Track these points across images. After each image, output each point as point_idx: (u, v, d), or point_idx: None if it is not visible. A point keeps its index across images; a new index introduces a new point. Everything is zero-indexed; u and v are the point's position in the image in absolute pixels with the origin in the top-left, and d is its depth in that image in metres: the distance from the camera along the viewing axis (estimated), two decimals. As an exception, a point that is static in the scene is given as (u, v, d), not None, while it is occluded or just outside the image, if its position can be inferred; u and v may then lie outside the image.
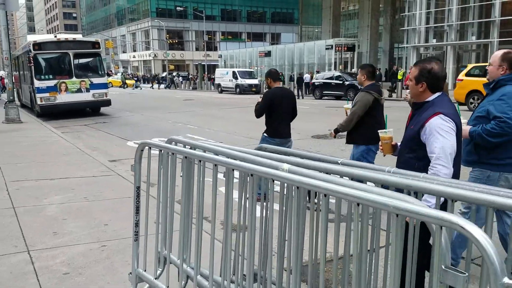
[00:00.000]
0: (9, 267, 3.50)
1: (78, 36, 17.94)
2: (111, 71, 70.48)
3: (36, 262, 3.58)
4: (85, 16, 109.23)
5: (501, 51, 3.33)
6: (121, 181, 6.43)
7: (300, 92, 29.20)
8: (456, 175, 2.63)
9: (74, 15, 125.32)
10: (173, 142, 2.85)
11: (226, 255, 2.35)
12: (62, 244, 3.98)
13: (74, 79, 16.27)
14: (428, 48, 33.42)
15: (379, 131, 3.11)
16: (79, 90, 16.36)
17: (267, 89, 5.85)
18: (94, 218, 4.68)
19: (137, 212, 2.96)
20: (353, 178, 2.11)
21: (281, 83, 5.89)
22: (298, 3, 63.81)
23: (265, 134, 5.64)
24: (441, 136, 2.53)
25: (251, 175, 2.16)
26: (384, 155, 3.19)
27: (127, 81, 50.61)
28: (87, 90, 16.57)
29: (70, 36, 18.03)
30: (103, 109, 18.82)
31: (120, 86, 48.80)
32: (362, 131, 4.88)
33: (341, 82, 25.40)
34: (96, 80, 16.78)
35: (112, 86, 48.67)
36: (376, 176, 2.02)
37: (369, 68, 5.03)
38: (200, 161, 2.45)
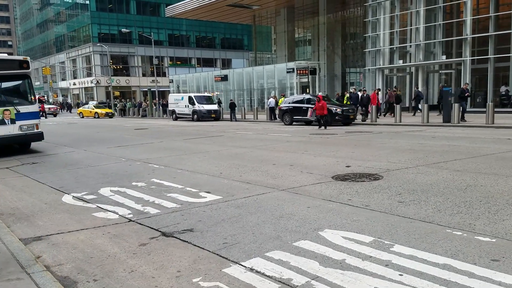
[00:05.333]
0: None
1: (2, 55, 14.16)
2: (43, 96, 64.11)
3: None
4: (22, 44, 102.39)
5: None
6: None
7: (233, 116, 29.44)
8: None
9: (10, 43, 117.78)
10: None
11: None
12: None
13: (-6, 107, 12.52)
14: (393, 70, 32.16)
15: None
16: (1, 122, 12.60)
17: None
18: None
19: None
20: None
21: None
22: (249, 29, 62.30)
23: None
24: None
25: None
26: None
27: (98, 110, 43.44)
28: (12, 121, 12.84)
29: (-10, 54, 14.18)
30: (34, 145, 15.07)
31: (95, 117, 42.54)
32: None
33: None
34: (24, 109, 13.07)
35: (83, 117, 44.18)
36: None
37: None
38: None
